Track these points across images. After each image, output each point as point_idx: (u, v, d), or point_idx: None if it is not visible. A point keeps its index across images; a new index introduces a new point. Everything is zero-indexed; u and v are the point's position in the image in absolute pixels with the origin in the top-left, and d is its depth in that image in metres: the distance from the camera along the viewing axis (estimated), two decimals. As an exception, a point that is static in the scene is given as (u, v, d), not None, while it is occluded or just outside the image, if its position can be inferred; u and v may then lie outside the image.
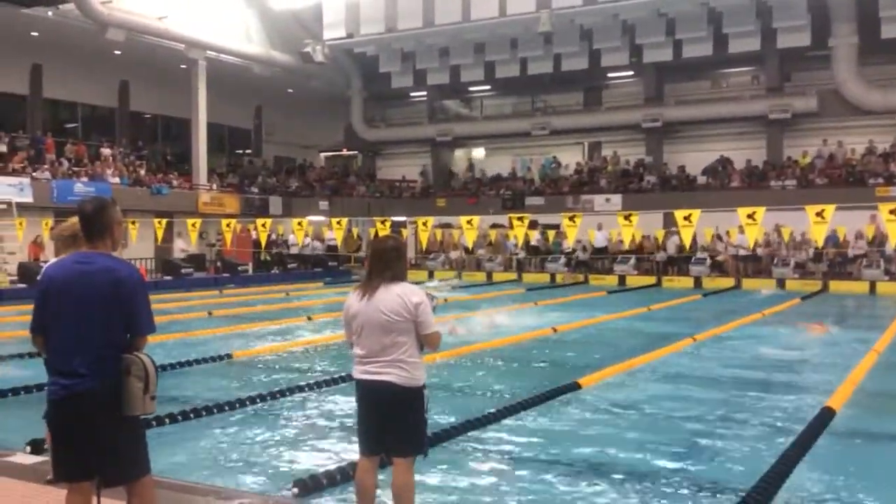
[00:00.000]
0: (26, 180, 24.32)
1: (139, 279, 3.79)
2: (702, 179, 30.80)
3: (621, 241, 24.62)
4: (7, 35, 25.87)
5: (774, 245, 25.98)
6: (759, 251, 25.38)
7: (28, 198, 23.88)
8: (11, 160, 25.37)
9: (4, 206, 22.62)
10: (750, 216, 11.89)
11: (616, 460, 6.13)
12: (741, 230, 21.92)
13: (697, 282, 25.15)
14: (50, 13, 24.84)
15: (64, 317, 3.63)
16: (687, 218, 12.68)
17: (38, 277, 3.99)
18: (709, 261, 26.12)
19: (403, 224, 26.72)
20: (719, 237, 26.57)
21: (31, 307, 3.83)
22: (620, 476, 5.75)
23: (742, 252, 25.04)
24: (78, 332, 3.60)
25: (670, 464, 6.10)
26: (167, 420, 6.91)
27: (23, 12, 24.25)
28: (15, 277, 21.48)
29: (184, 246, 26.24)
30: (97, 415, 3.56)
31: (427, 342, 4.36)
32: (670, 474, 5.83)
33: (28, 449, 5.79)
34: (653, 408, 8.00)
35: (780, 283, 24.18)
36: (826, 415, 7.31)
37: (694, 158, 31.71)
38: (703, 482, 5.65)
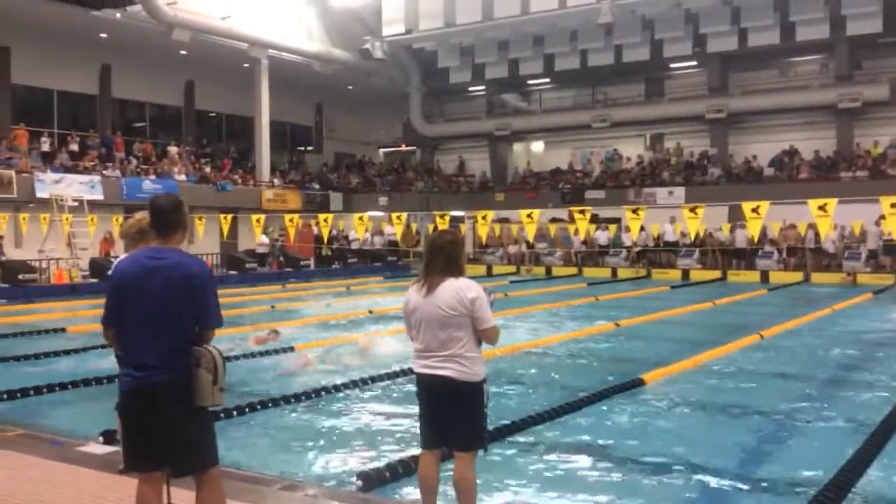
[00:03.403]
0: (97, 178, 25.10)
1: (209, 274, 3.86)
2: (768, 171, 30.03)
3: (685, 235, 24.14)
4: (77, 37, 26.70)
5: (848, 237, 25.17)
6: (830, 245, 24.61)
7: (99, 195, 24.64)
8: (83, 159, 26.22)
9: (76, 204, 23.36)
10: (821, 208, 11.51)
11: (680, 457, 6.01)
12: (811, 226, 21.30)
13: (764, 276, 24.53)
14: (118, 15, 25.52)
15: (135, 310, 3.71)
16: (755, 210, 12.34)
17: (110, 272, 4.09)
18: (776, 255, 25.46)
19: (461, 219, 26.73)
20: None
21: (102, 301, 3.92)
22: (685, 473, 5.64)
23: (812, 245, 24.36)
24: (149, 325, 3.67)
25: (736, 462, 5.96)
26: (234, 412, 7.04)
27: (92, 14, 24.96)
28: (87, 272, 22.17)
29: (266, 241, 26.75)
30: (168, 406, 3.63)
31: (484, 337, 4.33)
32: (736, 472, 5.69)
33: (101, 439, 5.94)
34: (718, 404, 7.84)
35: (850, 277, 23.43)
36: (902, 413, 7.05)
37: (760, 150, 30.94)
38: (769, 481, 5.51)
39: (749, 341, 11.72)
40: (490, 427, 5.12)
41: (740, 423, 7.20)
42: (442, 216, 20.00)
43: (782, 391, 8.55)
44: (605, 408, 7.55)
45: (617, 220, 27.44)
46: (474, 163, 38.40)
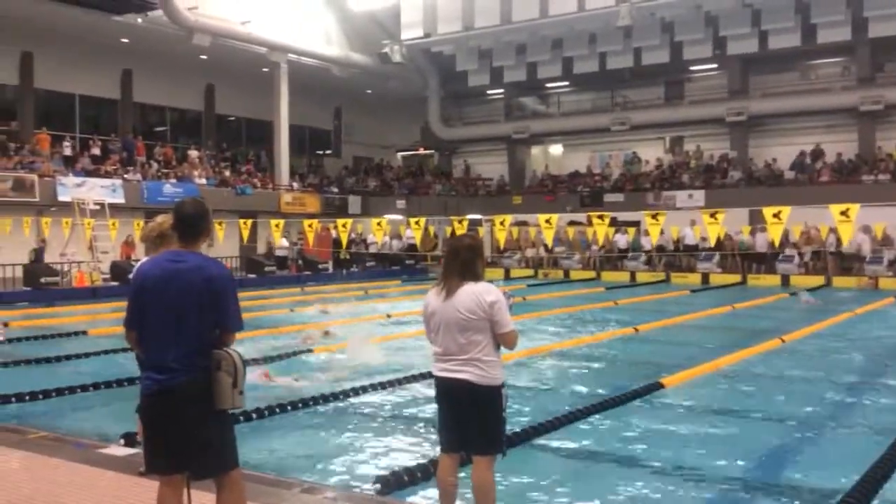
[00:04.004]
0: (118, 182, 25.33)
1: (229, 277, 3.88)
2: (789, 174, 29.79)
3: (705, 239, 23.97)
4: (99, 42, 26.98)
5: (870, 241, 24.88)
6: (859, 247, 24.31)
7: (120, 199, 24.87)
8: (104, 163, 26.48)
9: (98, 207, 23.57)
10: (843, 213, 11.38)
11: (700, 462, 5.97)
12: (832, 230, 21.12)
13: (785, 280, 24.33)
14: (140, 20, 25.76)
15: (157, 313, 3.73)
16: (776, 215, 12.23)
17: (132, 275, 4.12)
18: (797, 258, 25.24)
19: (479, 222, 26.70)
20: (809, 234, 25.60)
21: (123, 304, 3.95)
22: (704, 479, 5.60)
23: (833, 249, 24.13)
24: (170, 328, 3.70)
25: (757, 468, 5.91)
26: (254, 414, 7.07)
27: (114, 19, 25.21)
28: (108, 275, 22.35)
29: (286, 244, 26.88)
30: (188, 409, 3.66)
31: (503, 341, 4.33)
32: (756, 479, 5.65)
33: (122, 441, 5.99)
34: (739, 409, 7.77)
35: (872, 280, 23.18)
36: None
37: (781, 153, 30.70)
38: (791, 488, 5.46)
39: (770, 345, 11.62)
40: (508, 431, 5.11)
41: (761, 429, 7.13)
42: (460, 220, 20.00)
43: (804, 396, 8.47)
44: (623, 412, 7.51)
45: (636, 224, 27.31)
46: (492, 166, 38.36)
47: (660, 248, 27.02)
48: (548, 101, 38.85)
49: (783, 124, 31.53)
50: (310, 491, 5.03)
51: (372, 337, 12.11)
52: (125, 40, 27.47)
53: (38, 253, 22.23)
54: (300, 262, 28.24)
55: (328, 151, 39.66)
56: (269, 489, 4.94)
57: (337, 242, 27.67)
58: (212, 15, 27.40)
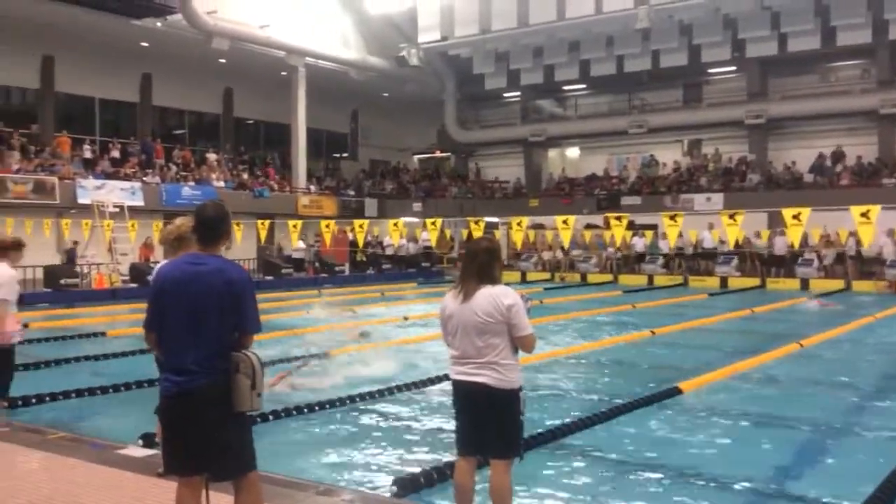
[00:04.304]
0: (137, 184, 25.53)
1: (248, 280, 3.90)
2: (808, 177, 29.55)
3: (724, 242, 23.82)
4: (119, 46, 27.21)
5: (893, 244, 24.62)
6: (886, 251, 24.03)
7: (139, 201, 25.05)
8: (124, 165, 26.70)
9: (117, 210, 23.76)
10: (864, 215, 11.26)
11: (717, 468, 5.92)
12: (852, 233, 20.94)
13: (804, 283, 24.12)
14: (159, 24, 25.95)
15: (177, 315, 3.75)
16: (796, 217, 12.12)
17: (152, 277, 4.15)
18: (817, 262, 25.03)
19: (496, 225, 26.67)
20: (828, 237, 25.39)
21: (142, 306, 3.97)
22: (721, 485, 5.56)
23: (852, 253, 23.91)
24: (190, 330, 3.72)
25: (774, 474, 5.86)
26: (270, 416, 7.09)
27: (133, 24, 25.42)
28: (127, 277, 22.52)
29: (303, 246, 27.02)
30: (207, 411, 3.67)
31: (521, 344, 4.32)
32: (774, 485, 5.60)
33: (140, 442, 6.03)
34: (757, 414, 7.70)
35: (892, 285, 22.94)
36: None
37: (800, 155, 30.47)
38: (809, 494, 5.40)
39: (789, 350, 11.53)
40: (526, 435, 5.09)
41: (779, 434, 7.07)
42: (476, 222, 19.98)
43: (823, 401, 8.40)
44: (641, 416, 7.47)
45: (653, 227, 27.19)
46: (509, 169, 38.31)
47: (678, 252, 26.86)
48: (565, 104, 38.76)
49: (802, 127, 31.29)
50: (326, 493, 5.04)
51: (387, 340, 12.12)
52: (145, 44, 27.69)
53: (71, 254, 22.47)
54: (317, 264, 28.33)
55: (345, 154, 39.78)
56: (285, 491, 4.96)
57: (354, 245, 27.76)
58: (230, 19, 27.58)
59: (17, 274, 6.91)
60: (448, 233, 32.25)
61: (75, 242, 22.79)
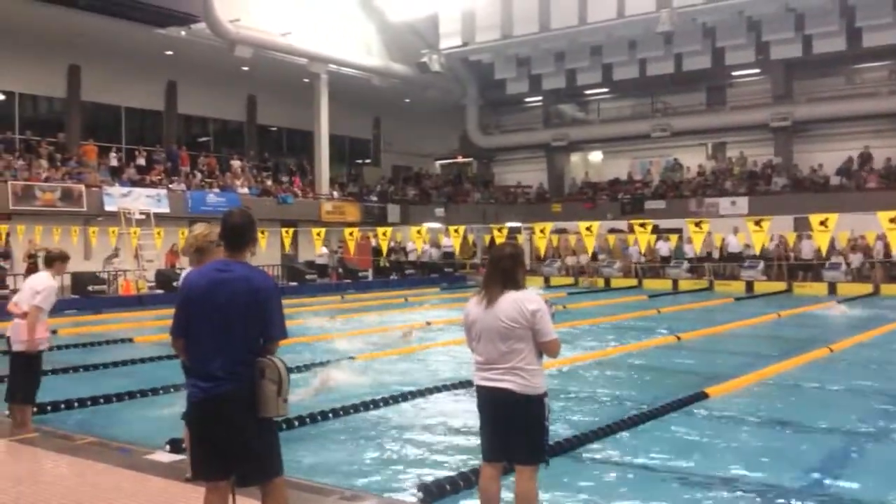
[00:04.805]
0: (163, 192, 25.78)
1: (274, 287, 3.93)
2: (835, 180, 29.22)
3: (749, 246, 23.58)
4: (144, 54, 27.49)
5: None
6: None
7: (165, 208, 25.29)
8: (149, 173, 26.97)
9: (143, 217, 24.00)
10: (893, 220, 11.10)
11: (745, 474, 5.85)
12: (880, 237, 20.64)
13: (832, 288, 23.82)
14: (183, 33, 26.20)
15: (204, 322, 3.78)
16: (823, 222, 12.00)
17: (180, 283, 4.18)
18: (844, 266, 24.72)
19: (519, 230, 26.61)
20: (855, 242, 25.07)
21: (168, 312, 4.00)
22: (749, 491, 5.49)
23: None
24: (217, 336, 3.74)
25: (803, 480, 5.78)
26: (296, 422, 7.11)
27: (158, 33, 25.69)
28: (153, 283, 22.73)
29: (327, 252, 27.17)
30: (234, 416, 3.69)
31: (546, 350, 4.30)
32: (803, 491, 5.52)
33: (167, 448, 6.07)
34: (785, 420, 7.61)
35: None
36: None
37: (826, 158, 30.12)
38: (840, 500, 5.32)
39: (817, 355, 11.38)
40: (551, 441, 5.06)
41: (808, 440, 6.98)
42: (499, 228, 19.98)
43: (853, 406, 8.28)
44: (667, 422, 7.41)
45: (678, 231, 27.00)
46: (531, 174, 38.24)
47: (703, 256, 26.66)
48: (587, 108, 38.64)
49: (828, 129, 30.95)
50: (350, 499, 5.05)
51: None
52: (169, 53, 27.96)
53: (113, 260, 22.72)
54: (340, 270, 28.43)
55: (367, 161, 39.91)
56: (310, 496, 4.97)
57: (377, 251, 27.84)
58: (253, 27, 27.79)
59: (56, 285, 7.03)
60: (471, 238, 32.23)
61: (117, 249, 23.07)
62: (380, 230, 23.15)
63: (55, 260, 7.08)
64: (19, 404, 6.93)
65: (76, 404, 8.10)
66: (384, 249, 25.79)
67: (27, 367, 6.89)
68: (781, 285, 24.97)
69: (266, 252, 24.10)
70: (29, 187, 22.59)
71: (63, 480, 5.52)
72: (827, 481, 5.79)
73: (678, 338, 13.27)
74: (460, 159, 41.17)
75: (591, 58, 31.85)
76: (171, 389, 8.46)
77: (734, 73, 32.76)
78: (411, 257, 30.40)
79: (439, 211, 34.46)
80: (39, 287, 6.84)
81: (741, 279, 25.77)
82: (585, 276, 29.11)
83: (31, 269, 19.87)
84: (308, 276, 26.46)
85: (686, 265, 27.21)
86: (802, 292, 23.91)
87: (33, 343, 6.79)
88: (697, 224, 14.14)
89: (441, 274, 30.15)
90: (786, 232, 25.49)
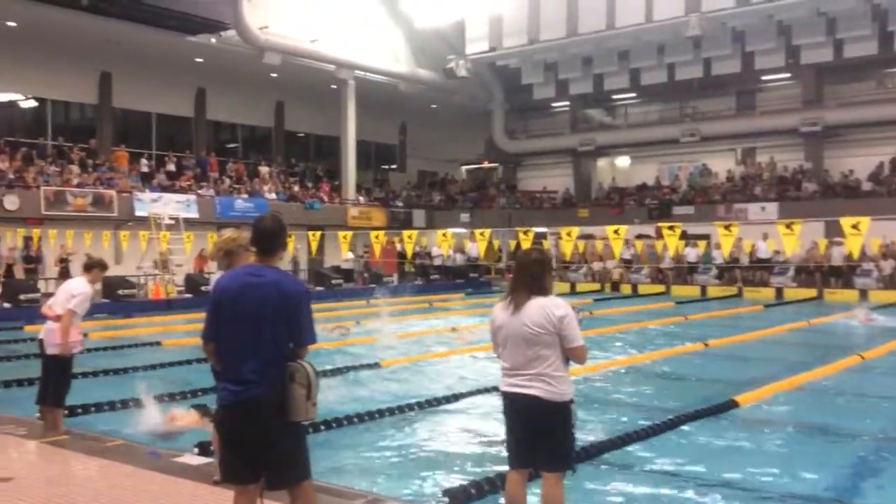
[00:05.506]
0: (192, 197, 26.05)
1: (304, 292, 3.95)
2: (866, 186, 28.80)
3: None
4: (175, 62, 27.84)
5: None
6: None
7: (194, 213, 25.54)
8: (179, 179, 27.26)
9: (173, 222, 24.26)
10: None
11: (774, 483, 5.78)
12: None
13: (863, 294, 23.45)
14: (213, 40, 26.48)
15: (234, 326, 3.81)
16: (855, 227, 11.82)
17: (211, 287, 4.22)
18: (876, 272, 24.34)
19: (544, 235, 26.50)
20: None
21: (196, 316, 4.05)
22: (780, 499, 5.42)
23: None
24: (247, 340, 3.77)
25: (833, 489, 5.70)
26: (322, 427, 7.13)
27: (188, 40, 25.98)
28: (182, 288, 22.95)
29: (352, 257, 27.26)
30: (264, 420, 3.71)
31: (573, 356, 4.28)
32: (830, 501, 5.43)
33: (196, 450, 6.11)
34: (815, 428, 7.52)
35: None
36: None
37: (858, 164, 29.71)
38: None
39: (849, 362, 11.22)
40: (578, 447, 5.03)
41: (839, 449, 6.89)
42: (525, 232, 19.89)
43: (885, 415, 8.16)
44: (696, 429, 7.33)
45: (706, 237, 26.76)
46: (558, 179, 38.12)
47: (732, 262, 26.38)
48: (614, 113, 38.47)
49: (860, 134, 30.51)
50: (375, 503, 5.05)
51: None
52: (199, 60, 28.27)
53: (163, 263, 22.99)
54: (366, 274, 28.52)
55: (393, 166, 40.05)
56: (335, 500, 4.98)
57: (402, 255, 27.88)
58: (281, 34, 28.03)
59: (91, 291, 7.13)
60: (496, 243, 32.16)
61: (163, 252, 23.34)
62: (405, 235, 23.17)
63: (94, 267, 7.19)
64: (50, 407, 7.02)
65: (106, 407, 8.19)
66: (409, 254, 25.81)
67: (60, 369, 6.99)
68: (812, 292, 24.64)
69: (292, 257, 24.23)
70: (61, 193, 22.93)
71: (93, 482, 5.59)
72: (860, 489, 5.70)
73: (706, 344, 13.14)
74: (486, 164, 41.16)
75: (619, 62, 31.72)
76: (199, 392, 8.53)
77: (764, 78, 32.45)
78: (436, 262, 30.41)
79: (464, 216, 34.45)
80: (76, 291, 6.95)
81: (771, 286, 25.47)
82: (614, 279, 28.75)
83: (64, 273, 20.17)
84: (334, 281, 26.57)
85: (714, 271, 26.94)
86: (833, 299, 23.57)
87: (67, 346, 6.89)
88: (727, 228, 13.97)
89: (466, 279, 30.12)
90: (816, 238, 25.18)
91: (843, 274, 24.88)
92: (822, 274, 25.39)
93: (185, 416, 7.30)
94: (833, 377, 10.22)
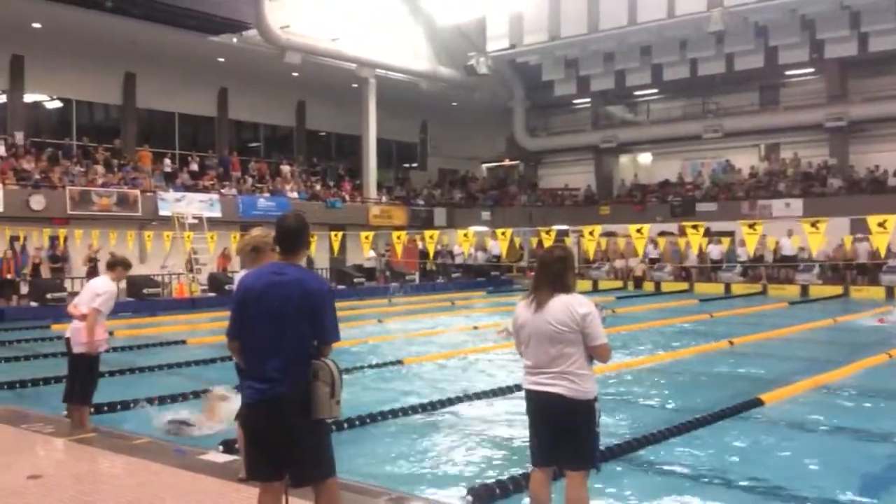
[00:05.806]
0: (215, 196, 26.23)
1: (328, 290, 3.96)
2: (893, 181, 28.41)
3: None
4: (197, 62, 28.04)
5: None
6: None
7: (217, 212, 25.72)
8: (202, 178, 27.47)
9: (196, 221, 24.45)
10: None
11: (800, 483, 5.71)
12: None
13: (890, 292, 23.16)
14: (235, 40, 26.64)
15: (259, 324, 3.82)
16: (881, 225, 11.67)
17: (235, 286, 4.25)
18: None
19: (566, 233, 26.41)
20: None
21: (220, 314, 4.08)
22: (805, 500, 5.36)
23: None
24: (272, 338, 3.78)
25: (860, 490, 5.61)
26: (345, 424, 7.16)
27: (211, 40, 26.15)
28: (206, 286, 23.13)
29: (374, 255, 27.34)
30: (288, 418, 3.73)
31: (596, 354, 4.25)
32: (859, 501, 5.37)
33: (221, 448, 6.16)
34: (842, 427, 7.42)
35: None
36: None
37: (884, 159, 29.31)
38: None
39: (877, 361, 11.08)
40: (602, 446, 5.01)
41: (866, 448, 6.80)
42: (547, 231, 19.85)
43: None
44: (721, 428, 7.27)
45: (730, 234, 26.52)
46: (579, 176, 37.96)
47: (757, 259, 26.13)
48: (636, 109, 38.21)
49: (886, 129, 30.10)
50: (398, 501, 5.06)
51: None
52: (221, 60, 28.45)
53: (192, 263, 23.25)
54: (388, 273, 28.58)
55: (414, 164, 40.08)
56: (358, 498, 4.99)
57: (423, 254, 27.91)
58: (303, 33, 28.14)
59: (115, 289, 7.20)
60: (518, 241, 32.08)
61: (194, 252, 23.54)
62: (426, 233, 23.21)
63: (118, 265, 7.26)
64: (77, 404, 7.11)
65: (132, 405, 8.27)
66: (431, 253, 25.84)
67: (87, 368, 7.07)
68: (838, 289, 24.35)
69: (315, 255, 24.32)
70: (86, 192, 23.18)
71: (119, 479, 5.65)
72: (885, 492, 5.62)
73: (731, 343, 13.04)
74: (507, 162, 41.07)
75: (641, 58, 31.50)
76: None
77: (788, 73, 32.10)
78: (458, 260, 30.40)
79: (486, 214, 34.41)
80: (100, 290, 7.02)
81: (796, 283, 25.21)
82: (637, 274, 28.58)
83: (92, 272, 20.39)
84: (356, 279, 26.68)
85: (738, 269, 26.70)
86: (860, 296, 23.29)
87: (93, 345, 6.96)
88: (751, 226, 13.85)
89: (487, 277, 30.09)
90: (842, 234, 24.87)
91: (870, 271, 24.57)
92: (848, 271, 25.08)
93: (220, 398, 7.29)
94: (860, 376, 10.09)
